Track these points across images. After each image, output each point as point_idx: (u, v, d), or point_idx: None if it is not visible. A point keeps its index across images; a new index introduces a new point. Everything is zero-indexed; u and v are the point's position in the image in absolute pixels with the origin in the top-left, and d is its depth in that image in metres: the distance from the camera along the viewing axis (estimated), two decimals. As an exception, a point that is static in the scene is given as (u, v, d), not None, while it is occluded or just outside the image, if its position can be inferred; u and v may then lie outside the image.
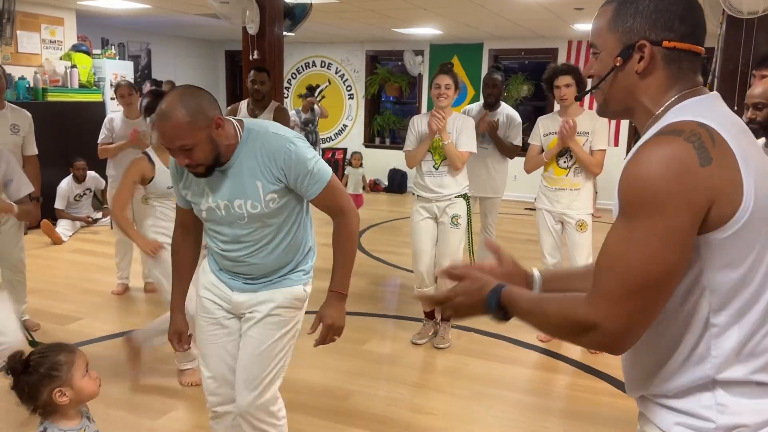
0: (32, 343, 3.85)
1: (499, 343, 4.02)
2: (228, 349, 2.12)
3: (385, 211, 8.86)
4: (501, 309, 1.18)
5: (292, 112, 8.42)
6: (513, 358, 3.80)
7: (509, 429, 2.99)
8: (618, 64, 1.12)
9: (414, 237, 3.89)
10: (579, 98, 3.78)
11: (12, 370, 1.57)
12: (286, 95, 11.28)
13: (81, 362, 1.63)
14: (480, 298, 1.21)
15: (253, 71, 4.53)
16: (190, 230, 2.13)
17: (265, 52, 4.98)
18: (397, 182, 10.32)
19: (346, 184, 7.32)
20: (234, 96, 11.41)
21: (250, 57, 4.98)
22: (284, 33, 5.35)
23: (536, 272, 1.39)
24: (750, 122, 2.42)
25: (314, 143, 8.36)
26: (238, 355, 2.10)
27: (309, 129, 8.63)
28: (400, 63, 10.34)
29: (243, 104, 4.70)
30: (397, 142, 10.65)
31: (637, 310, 1.02)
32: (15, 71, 6.91)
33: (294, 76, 11.25)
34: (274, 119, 4.59)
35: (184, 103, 1.76)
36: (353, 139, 10.87)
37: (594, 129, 3.74)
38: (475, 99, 8.73)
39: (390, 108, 11.15)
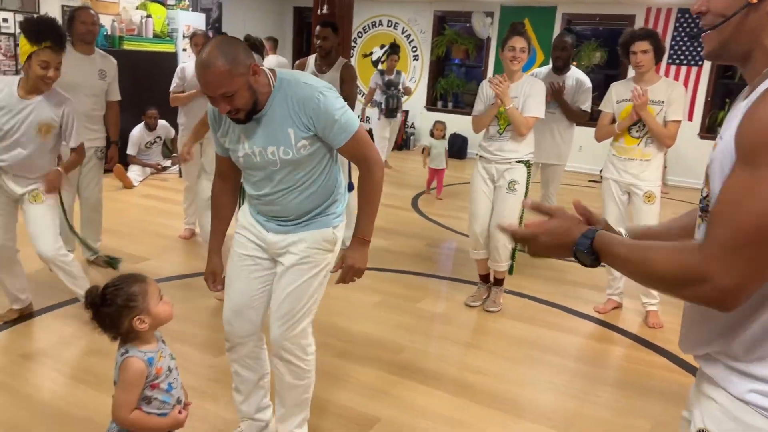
0: (110, 262, 4.08)
1: (554, 311, 4.00)
2: (252, 284, 2.23)
3: (447, 176, 8.82)
4: (592, 253, 1.13)
5: (375, 73, 8.07)
6: (567, 326, 3.79)
7: (560, 394, 3.01)
8: (753, 2, 1.03)
9: (472, 199, 3.89)
10: (658, 62, 3.63)
11: (91, 305, 1.67)
12: (351, 54, 11.27)
13: (154, 289, 1.72)
14: (569, 239, 1.16)
15: (319, 26, 4.56)
16: (228, 178, 2.26)
17: (335, 6, 4.98)
18: (457, 147, 10.22)
19: (428, 153, 7.03)
20: (300, 52, 11.46)
21: (319, 11, 4.98)
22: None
23: (622, 230, 1.36)
24: None
25: (395, 108, 7.99)
26: (274, 291, 2.22)
27: (391, 92, 7.96)
28: (468, 25, 10.14)
29: (311, 60, 4.74)
30: (459, 107, 10.53)
31: (754, 264, 0.94)
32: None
33: (360, 35, 11.20)
34: (341, 76, 4.62)
35: (222, 51, 1.84)
36: (415, 102, 10.80)
37: (670, 99, 3.60)
38: (544, 65, 8.51)
39: (455, 71, 10.99)
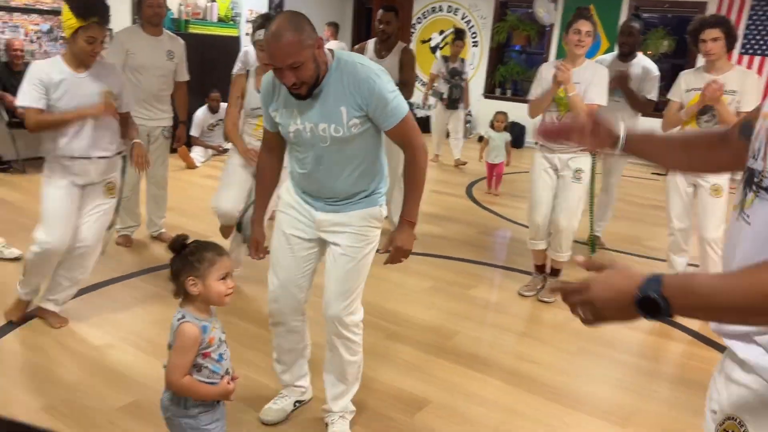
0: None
1: (611, 303, 3.92)
2: (299, 262, 2.28)
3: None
4: (662, 299, 0.94)
5: (438, 60, 7.67)
6: (624, 320, 3.70)
7: (617, 388, 2.95)
8: None
9: (533, 187, 3.82)
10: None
11: (171, 248, 1.75)
12: (409, 40, 11.23)
13: (222, 267, 1.75)
14: (629, 288, 0.97)
15: (381, 10, 4.56)
16: (274, 151, 2.31)
17: (396, -10, 4.96)
18: (515, 136, 10.03)
19: (486, 145, 6.62)
20: (359, 38, 11.48)
21: (381, -4, 4.98)
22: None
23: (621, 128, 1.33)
24: None
25: (458, 99, 7.57)
26: (330, 271, 2.24)
27: (455, 81, 7.45)
28: (530, 10, 9.94)
29: (370, 44, 4.75)
30: (519, 95, 10.35)
31: None
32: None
33: (418, 20, 11.13)
34: (401, 61, 4.61)
35: (292, 24, 1.91)
36: (472, 90, 10.65)
37: (744, 88, 3.45)
38: (609, 52, 8.27)
39: (515, 58, 10.81)
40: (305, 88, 1.99)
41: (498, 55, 10.66)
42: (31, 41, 6.44)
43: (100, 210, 3.10)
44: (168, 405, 1.78)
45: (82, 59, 2.91)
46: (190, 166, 6.77)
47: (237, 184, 3.57)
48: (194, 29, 7.50)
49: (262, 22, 3.36)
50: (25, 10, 6.33)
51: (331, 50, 2.07)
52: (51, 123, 2.89)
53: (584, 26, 3.50)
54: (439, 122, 7.84)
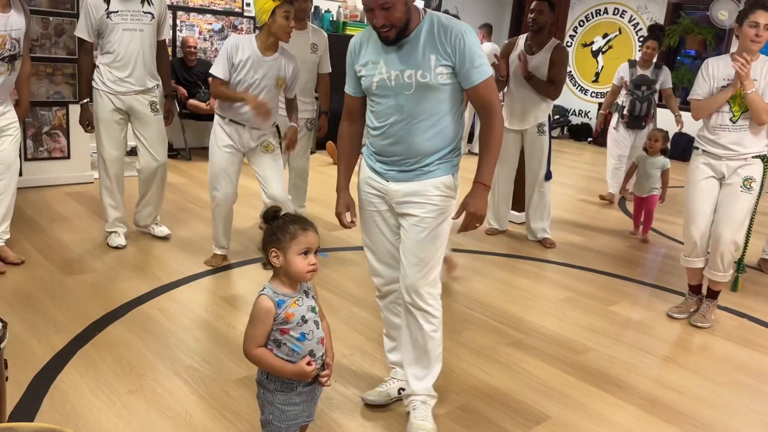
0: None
1: (778, 337, 3.41)
2: (388, 236, 2.30)
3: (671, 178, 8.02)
4: None
5: (623, 65, 5.94)
6: (793, 356, 3.20)
7: (772, 431, 2.54)
8: None
9: (691, 197, 3.42)
10: None
11: (264, 218, 1.79)
12: (569, 43, 10.75)
13: (305, 241, 1.71)
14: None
15: (535, 0, 4.36)
16: (356, 121, 2.33)
17: (550, -15, 4.71)
18: (681, 148, 9.24)
19: (631, 174, 5.20)
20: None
21: (534, -9, 4.75)
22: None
23: None
24: None
25: (646, 115, 5.84)
26: (403, 242, 2.23)
27: (641, 93, 5.79)
28: (707, 13, 9.07)
29: (520, 39, 4.57)
30: (689, 103, 9.48)
31: None
32: (323, 4, 7.67)
33: (581, 23, 10.62)
34: (552, 58, 4.39)
35: None
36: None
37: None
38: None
39: (687, 63, 9.93)
40: (394, 32, 2.02)
41: (668, 60, 9.85)
42: (204, 39, 6.99)
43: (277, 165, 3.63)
44: (258, 375, 1.78)
45: (279, 37, 3.35)
46: (336, 162, 6.97)
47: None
48: (351, 31, 7.73)
49: None
50: (201, 11, 6.89)
51: (424, 9, 2.10)
52: (225, 96, 3.41)
53: (763, 18, 3.08)
54: (618, 146, 6.06)
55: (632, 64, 5.93)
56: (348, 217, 2.33)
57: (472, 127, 8.28)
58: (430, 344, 2.30)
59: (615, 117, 6.05)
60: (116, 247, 3.85)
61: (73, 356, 2.61)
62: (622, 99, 5.93)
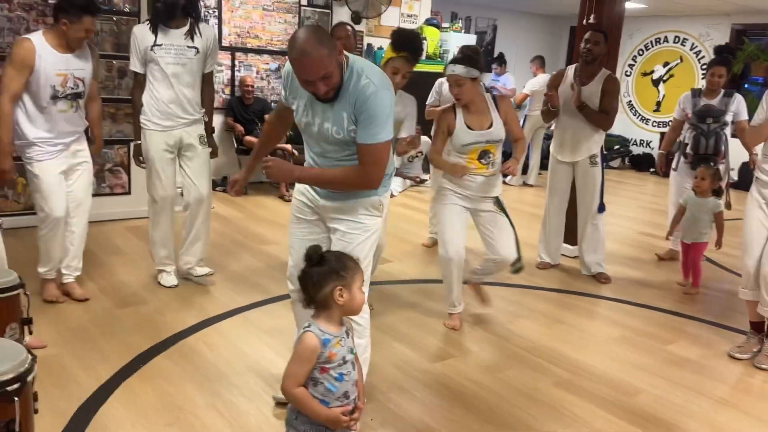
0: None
1: None
2: (307, 243, 2.21)
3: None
4: None
5: (685, 95, 5.00)
6: None
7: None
8: None
9: (745, 226, 3.28)
10: None
11: (308, 258, 1.73)
12: (628, 72, 10.53)
13: (360, 276, 1.76)
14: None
15: (590, 31, 4.32)
16: (283, 118, 2.53)
17: (603, 16, 4.65)
18: (749, 177, 8.82)
19: (681, 215, 4.51)
20: (573, 73, 11.07)
21: (584, 21, 4.71)
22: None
23: None
24: None
25: (714, 153, 4.76)
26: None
27: (706, 127, 4.75)
28: (775, 38, 8.74)
29: (569, 70, 4.50)
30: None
31: None
32: (375, 41, 7.81)
33: (641, 52, 10.40)
34: (603, 89, 4.31)
35: (318, 38, 2.02)
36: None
37: None
38: None
39: (755, 91, 9.53)
40: (332, 92, 2.12)
41: (734, 87, 9.48)
42: (261, 78, 7.23)
43: None
44: (288, 414, 1.77)
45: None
46: (390, 194, 7.01)
47: (459, 223, 3.50)
48: (403, 65, 7.82)
49: (457, 57, 3.37)
50: (258, 51, 7.15)
51: (347, 55, 2.17)
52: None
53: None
54: (680, 191, 4.92)
55: (695, 93, 4.93)
56: (230, 188, 2.55)
57: (527, 158, 8.18)
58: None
59: (677, 156, 5.05)
60: (169, 287, 3.85)
61: (116, 388, 2.67)
62: (685, 134, 4.92)
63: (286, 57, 2.19)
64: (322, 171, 2.31)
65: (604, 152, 4.60)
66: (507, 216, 3.47)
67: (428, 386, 2.88)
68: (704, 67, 9.56)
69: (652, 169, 9.81)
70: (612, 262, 4.87)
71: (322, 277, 1.70)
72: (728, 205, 4.65)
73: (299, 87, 2.20)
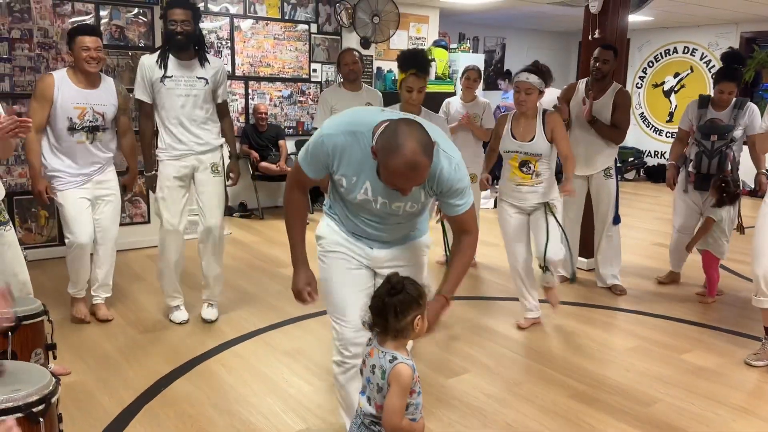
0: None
1: None
2: (365, 297, 2.01)
3: (746, 216, 7.62)
4: None
5: (691, 103, 4.58)
6: None
7: None
8: None
9: (756, 233, 3.28)
10: None
11: (392, 289, 1.72)
12: (639, 84, 10.55)
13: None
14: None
15: (600, 48, 4.38)
16: (306, 190, 2.23)
17: (606, 31, 4.72)
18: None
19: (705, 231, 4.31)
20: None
21: (590, 37, 4.77)
22: (630, 12, 4.99)
23: None
24: None
25: (719, 174, 4.30)
26: None
27: (709, 145, 4.31)
28: (785, 44, 8.72)
29: (581, 83, 4.56)
30: None
31: None
32: (384, 65, 7.94)
33: (650, 64, 10.42)
34: (615, 102, 4.37)
35: (424, 145, 1.78)
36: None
37: None
38: None
39: (766, 98, 9.50)
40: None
41: (745, 95, 9.45)
42: (275, 105, 7.38)
43: None
44: None
45: (403, 107, 3.48)
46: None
47: (516, 233, 3.77)
48: (414, 87, 7.93)
49: (530, 68, 3.53)
50: (271, 79, 7.30)
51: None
52: None
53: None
54: (683, 213, 4.58)
55: (703, 102, 4.44)
56: (308, 294, 2.19)
57: None
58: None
59: (682, 174, 4.57)
60: (180, 323, 3.75)
61: (139, 412, 2.75)
62: (690, 150, 4.49)
63: (298, 83, 2.11)
64: (458, 272, 2.12)
65: (618, 164, 4.63)
66: (556, 219, 3.67)
67: (444, 402, 2.91)
68: (714, 77, 9.54)
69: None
70: (627, 273, 4.87)
71: (406, 306, 1.72)
72: (740, 229, 4.42)
73: (359, 166, 1.96)
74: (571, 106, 4.54)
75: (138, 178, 4.17)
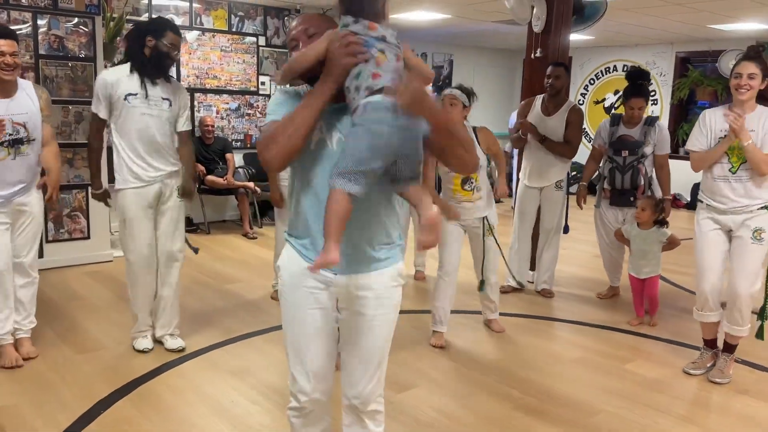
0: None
1: (803, 390, 3.27)
2: (330, 342, 1.91)
3: (683, 229, 7.89)
4: None
5: (604, 122, 4.54)
6: (819, 411, 3.05)
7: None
8: None
9: (699, 251, 3.39)
10: None
11: None
12: (581, 101, 10.87)
13: None
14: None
15: (552, 66, 4.58)
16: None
17: (549, 49, 4.86)
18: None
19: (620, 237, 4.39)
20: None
21: (533, 55, 4.91)
22: (573, 31, 5.15)
23: None
24: None
25: (633, 188, 4.41)
26: (351, 346, 1.90)
27: (621, 161, 4.37)
28: (716, 65, 9.16)
29: (537, 100, 4.72)
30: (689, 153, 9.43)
31: None
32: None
33: (592, 81, 10.77)
34: (568, 119, 4.58)
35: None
36: (653, 150, 9.94)
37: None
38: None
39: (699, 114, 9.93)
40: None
41: (680, 112, 9.90)
42: (222, 118, 7.27)
43: None
44: None
45: None
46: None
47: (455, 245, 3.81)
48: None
49: (454, 86, 3.68)
50: (218, 91, 7.20)
51: None
52: None
53: (746, 69, 3.14)
54: (605, 230, 4.64)
55: (614, 120, 4.45)
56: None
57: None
58: None
59: (597, 191, 4.62)
60: (142, 351, 3.52)
61: (76, 436, 2.63)
62: (603, 167, 4.53)
63: (246, 95, 1.91)
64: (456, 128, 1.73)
65: (570, 177, 4.85)
66: (494, 237, 3.78)
67: (393, 418, 2.88)
68: (652, 93, 9.93)
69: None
70: (569, 284, 4.99)
71: None
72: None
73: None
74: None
75: (58, 182, 3.54)
